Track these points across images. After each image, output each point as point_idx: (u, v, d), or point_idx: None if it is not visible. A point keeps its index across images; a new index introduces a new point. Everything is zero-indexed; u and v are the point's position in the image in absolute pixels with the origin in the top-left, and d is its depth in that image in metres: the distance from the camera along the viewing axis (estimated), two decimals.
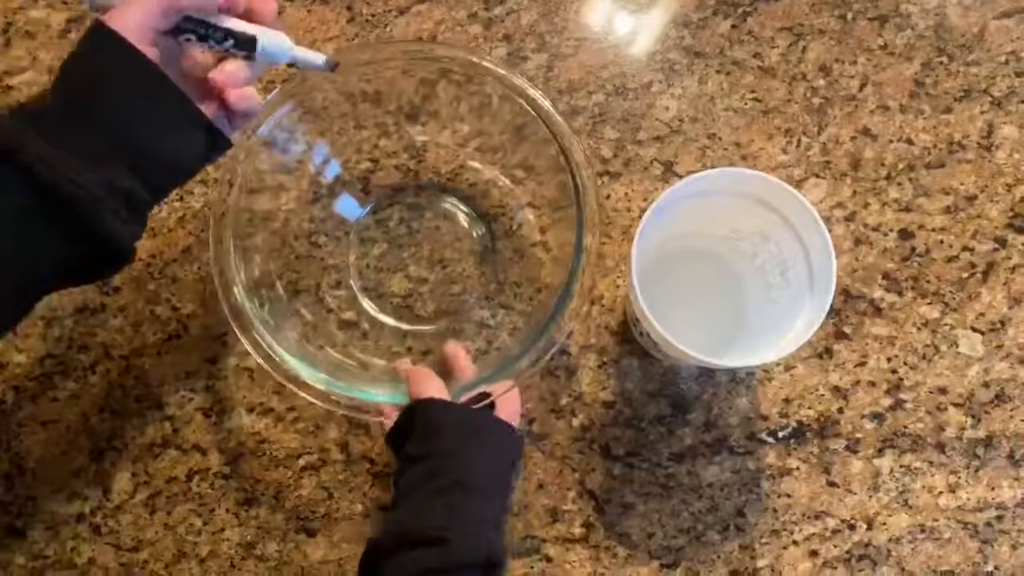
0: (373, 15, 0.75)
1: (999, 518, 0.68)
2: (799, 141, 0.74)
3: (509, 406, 0.60)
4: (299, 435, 0.68)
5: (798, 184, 0.72)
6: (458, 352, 0.65)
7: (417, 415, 0.56)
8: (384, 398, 0.59)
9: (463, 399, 0.58)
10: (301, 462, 0.68)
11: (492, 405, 0.59)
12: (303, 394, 0.58)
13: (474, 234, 0.71)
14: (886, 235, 0.72)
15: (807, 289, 0.60)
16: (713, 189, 0.60)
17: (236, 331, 0.58)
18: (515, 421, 0.61)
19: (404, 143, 0.72)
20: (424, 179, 0.71)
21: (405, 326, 0.70)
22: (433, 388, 0.57)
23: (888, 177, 0.73)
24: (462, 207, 0.72)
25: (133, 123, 0.45)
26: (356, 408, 0.58)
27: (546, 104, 0.62)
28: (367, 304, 0.70)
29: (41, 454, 0.67)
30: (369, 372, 0.66)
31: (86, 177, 0.43)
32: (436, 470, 0.53)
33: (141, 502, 0.67)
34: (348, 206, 0.71)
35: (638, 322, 0.63)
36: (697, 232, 0.67)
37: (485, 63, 0.62)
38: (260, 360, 0.58)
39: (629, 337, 0.70)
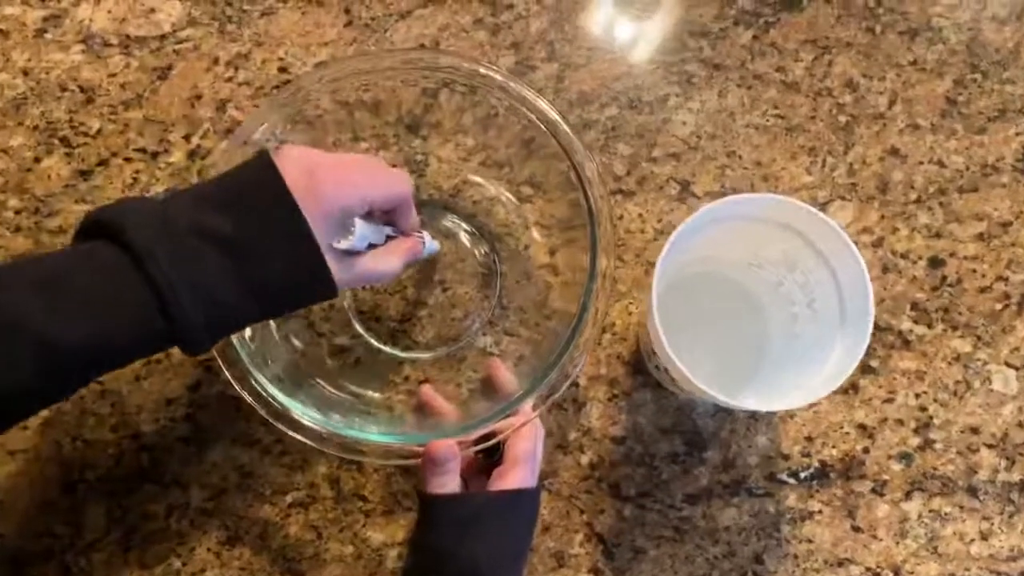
0: (372, 19, 0.70)
1: None
2: (824, 161, 0.69)
3: (523, 443, 0.55)
4: (286, 469, 0.64)
5: (823, 207, 0.69)
6: (498, 366, 0.61)
7: (420, 507, 0.55)
8: (379, 437, 0.54)
9: (462, 440, 0.53)
10: (288, 499, 0.63)
11: (499, 446, 0.55)
12: (292, 433, 0.53)
13: (477, 255, 0.67)
14: (915, 263, 0.68)
15: (837, 322, 0.56)
16: (735, 214, 0.56)
17: (221, 364, 0.54)
18: (534, 457, 0.56)
19: (404, 156, 0.67)
20: (425, 195, 0.67)
21: (401, 353, 0.65)
22: (438, 483, 0.53)
23: (918, 201, 0.69)
24: (464, 225, 0.67)
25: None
26: (349, 448, 0.54)
27: (556, 117, 0.58)
28: (361, 329, 0.65)
29: (9, 485, 0.63)
30: (364, 405, 0.62)
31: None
32: (431, 568, 0.52)
33: (115, 540, 0.62)
34: None
35: (654, 354, 0.58)
36: (716, 257, 0.63)
37: (491, 73, 0.58)
38: (245, 395, 0.54)
39: (642, 368, 0.66)
